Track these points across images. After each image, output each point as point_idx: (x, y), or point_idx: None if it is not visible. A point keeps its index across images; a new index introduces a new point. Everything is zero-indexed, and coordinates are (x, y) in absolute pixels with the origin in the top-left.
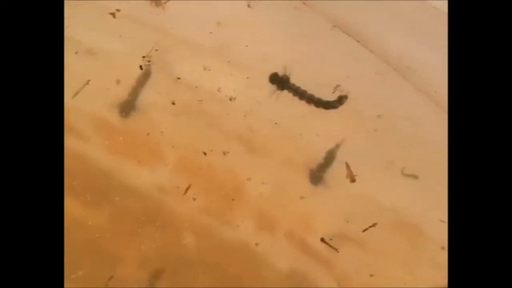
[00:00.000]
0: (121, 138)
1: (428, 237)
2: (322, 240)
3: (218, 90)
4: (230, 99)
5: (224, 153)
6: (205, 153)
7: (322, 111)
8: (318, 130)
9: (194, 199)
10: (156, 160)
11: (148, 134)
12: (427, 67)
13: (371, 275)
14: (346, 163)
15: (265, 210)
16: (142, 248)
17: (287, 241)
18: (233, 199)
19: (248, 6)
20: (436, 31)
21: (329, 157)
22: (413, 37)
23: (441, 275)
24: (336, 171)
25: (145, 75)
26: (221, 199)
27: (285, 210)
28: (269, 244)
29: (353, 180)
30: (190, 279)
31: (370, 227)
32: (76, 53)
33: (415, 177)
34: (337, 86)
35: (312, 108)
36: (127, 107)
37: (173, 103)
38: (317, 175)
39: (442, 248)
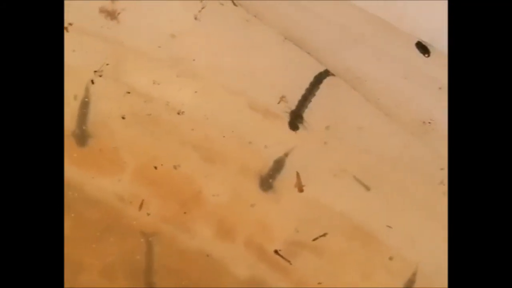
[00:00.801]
0: (79, 151)
1: (382, 243)
2: (276, 252)
3: (167, 104)
4: (179, 113)
5: (179, 164)
6: (162, 164)
7: (272, 121)
8: (269, 140)
9: (148, 214)
10: (114, 171)
11: (102, 148)
12: (375, 77)
13: (328, 281)
14: (297, 173)
15: (223, 218)
16: (103, 256)
17: (246, 249)
18: (191, 208)
19: (195, 18)
20: (382, 41)
21: (279, 166)
22: (359, 48)
23: (396, 281)
24: (287, 179)
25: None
26: (180, 208)
27: (242, 218)
28: (228, 252)
29: (301, 190)
30: (153, 286)
31: (321, 236)
32: None
33: (366, 187)
34: (282, 97)
35: (261, 118)
36: (83, 121)
37: (123, 117)
38: (268, 183)
39: (390, 258)
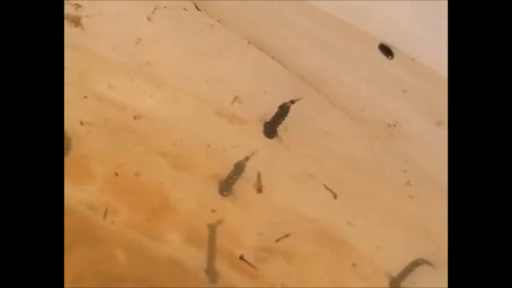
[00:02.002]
0: None
1: (349, 247)
2: (241, 258)
3: (132, 111)
4: (144, 119)
5: (145, 171)
6: (128, 172)
7: (233, 125)
8: (230, 144)
9: (113, 223)
10: (82, 179)
11: (70, 154)
12: (339, 80)
13: (299, 285)
14: (258, 173)
15: (191, 225)
16: (74, 265)
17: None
18: (159, 215)
19: (148, 19)
20: (345, 44)
21: (240, 170)
22: (323, 51)
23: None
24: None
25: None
26: (149, 215)
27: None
28: (198, 258)
29: (259, 191)
30: None
31: (284, 237)
32: None
33: (332, 192)
34: (236, 97)
35: (223, 123)
36: None
37: (82, 123)
38: (228, 188)
39: (353, 265)
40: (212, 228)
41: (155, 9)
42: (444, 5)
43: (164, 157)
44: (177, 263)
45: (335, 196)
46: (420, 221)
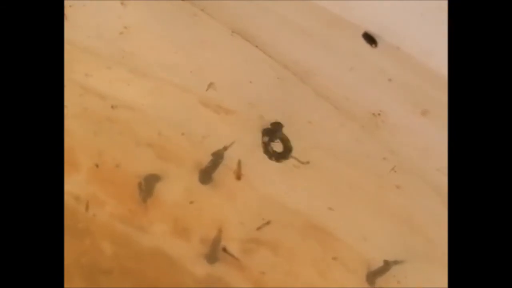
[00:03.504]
0: None
1: (333, 238)
2: (224, 250)
3: (118, 101)
4: (131, 110)
5: (132, 162)
6: (116, 163)
7: (218, 115)
8: (214, 133)
9: (96, 215)
10: (68, 171)
11: None
12: (323, 70)
13: (285, 276)
14: (239, 161)
15: (177, 216)
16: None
17: (202, 246)
18: (147, 207)
19: (122, 4)
20: (329, 33)
21: (218, 159)
22: (307, 40)
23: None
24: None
25: None
26: (136, 206)
27: (198, 215)
28: (184, 249)
29: (238, 178)
30: (109, 285)
31: (265, 224)
32: None
33: (314, 179)
34: (211, 83)
35: (211, 114)
36: None
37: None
38: (208, 177)
39: (334, 258)
40: None
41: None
42: None
43: (152, 148)
44: (164, 254)
45: (314, 180)
46: (405, 211)
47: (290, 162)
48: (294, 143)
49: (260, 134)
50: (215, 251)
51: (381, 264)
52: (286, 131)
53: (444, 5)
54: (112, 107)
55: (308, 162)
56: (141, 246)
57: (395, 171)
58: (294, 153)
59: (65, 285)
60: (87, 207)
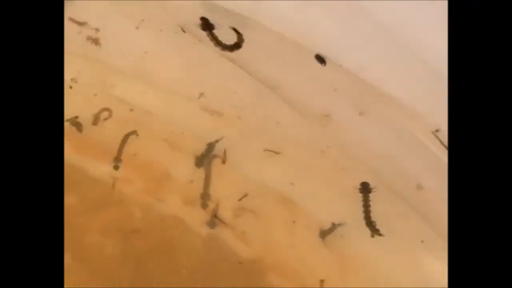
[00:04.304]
0: (84, 142)
1: (300, 208)
2: (215, 216)
3: (137, 107)
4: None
5: (153, 153)
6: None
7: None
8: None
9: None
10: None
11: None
12: (286, 83)
13: (262, 233)
14: (224, 150)
15: (186, 191)
16: (101, 221)
17: (205, 213)
18: (164, 184)
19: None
20: (289, 54)
21: (210, 149)
22: (276, 62)
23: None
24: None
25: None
26: (157, 184)
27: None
28: (193, 215)
29: (223, 162)
30: (139, 242)
31: (244, 197)
32: None
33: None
34: (201, 94)
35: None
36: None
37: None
38: (201, 162)
39: (294, 221)
40: None
41: (160, 30)
42: (365, 27)
43: (165, 142)
44: (178, 219)
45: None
46: (347, 186)
47: (265, 152)
48: (266, 139)
49: (242, 130)
50: (212, 218)
51: (329, 225)
52: (260, 128)
53: (378, 30)
54: (131, 112)
55: (280, 153)
56: (161, 212)
57: (339, 158)
58: (265, 144)
59: (106, 241)
60: (113, 185)
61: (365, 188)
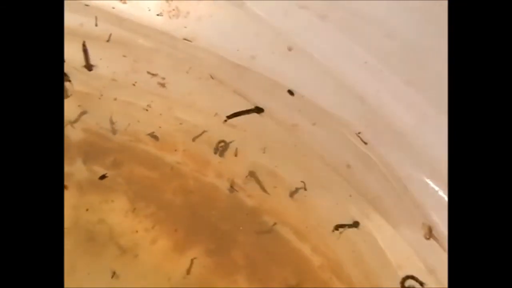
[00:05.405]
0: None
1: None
2: (231, 187)
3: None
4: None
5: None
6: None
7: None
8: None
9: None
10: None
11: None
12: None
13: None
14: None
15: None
16: (162, 188)
17: (223, 181)
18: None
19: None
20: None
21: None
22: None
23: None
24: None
25: None
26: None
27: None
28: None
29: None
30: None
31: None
32: None
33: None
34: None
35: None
36: None
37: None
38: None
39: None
40: None
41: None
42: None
43: (185, 133)
44: (210, 185)
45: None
46: (316, 150)
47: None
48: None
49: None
50: (232, 187)
51: (302, 185)
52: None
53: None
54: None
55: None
56: (200, 181)
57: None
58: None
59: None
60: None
61: None
